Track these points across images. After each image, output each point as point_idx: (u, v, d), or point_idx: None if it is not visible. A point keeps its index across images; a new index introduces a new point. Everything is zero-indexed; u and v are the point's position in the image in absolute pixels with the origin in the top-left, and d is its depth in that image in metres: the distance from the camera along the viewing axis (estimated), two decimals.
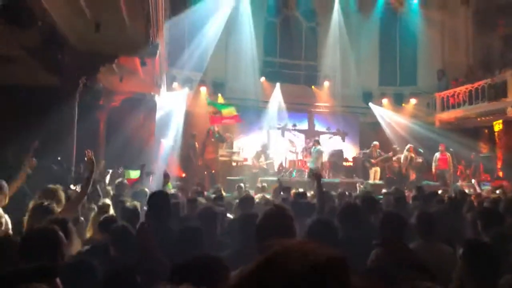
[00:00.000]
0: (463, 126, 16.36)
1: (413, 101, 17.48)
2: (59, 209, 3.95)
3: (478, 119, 15.56)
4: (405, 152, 14.40)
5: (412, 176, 14.13)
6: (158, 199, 3.57)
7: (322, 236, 2.81)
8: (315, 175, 5.20)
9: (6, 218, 3.72)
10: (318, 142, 14.09)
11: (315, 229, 2.99)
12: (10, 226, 3.70)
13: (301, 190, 7.67)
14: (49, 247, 2.40)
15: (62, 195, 4.24)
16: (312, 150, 13.99)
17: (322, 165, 13.76)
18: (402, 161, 14.36)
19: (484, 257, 2.49)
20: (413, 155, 14.31)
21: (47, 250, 2.38)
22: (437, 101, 16.90)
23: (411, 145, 14.51)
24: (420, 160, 14.56)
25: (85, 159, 4.65)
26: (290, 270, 0.72)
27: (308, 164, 13.85)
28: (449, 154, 14.34)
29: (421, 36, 17.93)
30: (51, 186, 4.31)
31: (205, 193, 8.98)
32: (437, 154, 14.32)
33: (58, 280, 1.87)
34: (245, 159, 15.29)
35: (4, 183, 4.39)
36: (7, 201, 4.37)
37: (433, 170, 14.33)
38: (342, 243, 3.09)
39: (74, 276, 2.40)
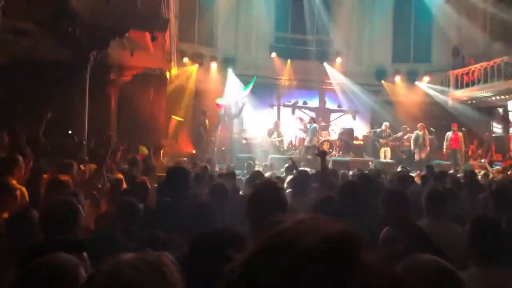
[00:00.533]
0: (477, 105, 16.11)
1: (426, 78, 17.20)
2: (74, 183, 4.02)
3: (493, 98, 15.29)
4: (416, 131, 14.27)
5: (422, 155, 14.00)
6: (176, 174, 3.56)
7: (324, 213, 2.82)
8: (321, 152, 5.16)
9: (23, 190, 3.78)
10: (313, 120, 14.14)
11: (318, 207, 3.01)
12: (27, 198, 3.76)
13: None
14: (67, 220, 2.44)
15: (77, 169, 4.30)
16: (308, 128, 13.98)
17: (318, 143, 13.80)
18: (411, 140, 14.26)
19: (490, 234, 2.47)
20: (420, 133, 14.13)
21: (66, 223, 2.43)
22: (451, 79, 16.61)
23: (421, 124, 14.35)
24: (431, 138, 14.38)
25: (104, 137, 4.71)
26: (301, 244, 0.71)
27: (305, 143, 13.85)
28: (461, 133, 14.17)
29: (436, 12, 17.48)
30: (66, 161, 4.36)
31: (217, 167, 9.05)
32: (449, 133, 14.15)
33: (85, 254, 1.90)
34: (255, 137, 15.30)
35: (20, 157, 4.45)
36: (23, 174, 4.44)
37: (444, 149, 14.20)
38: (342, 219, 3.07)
39: (100, 250, 2.44)
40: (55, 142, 6.95)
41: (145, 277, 0.99)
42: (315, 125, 13.90)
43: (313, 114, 16.80)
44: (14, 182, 3.60)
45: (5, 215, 3.11)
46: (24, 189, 3.78)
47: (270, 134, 14.72)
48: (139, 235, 2.63)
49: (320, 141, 14.42)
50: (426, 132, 14.24)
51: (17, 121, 7.96)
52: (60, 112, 8.12)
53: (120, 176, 4.95)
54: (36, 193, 3.85)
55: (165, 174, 4.02)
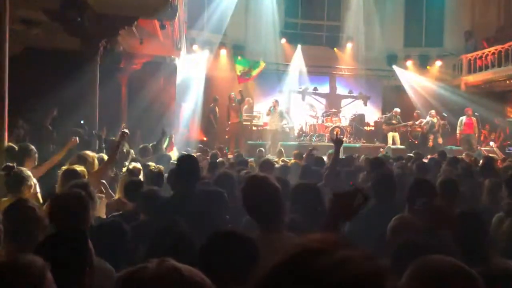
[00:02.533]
0: (490, 90, 15.84)
1: (438, 63, 16.92)
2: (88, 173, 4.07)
3: (507, 82, 15.02)
4: (428, 118, 14.12)
5: (439, 140, 13.86)
6: (188, 163, 3.57)
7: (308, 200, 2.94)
8: (337, 140, 4.88)
9: (34, 181, 3.83)
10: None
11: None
12: (38, 189, 3.82)
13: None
14: (75, 211, 2.47)
15: (94, 160, 4.33)
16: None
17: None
18: (423, 125, 14.12)
19: (472, 228, 2.45)
20: (435, 120, 13.98)
21: (74, 214, 2.46)
22: (464, 63, 16.32)
23: (434, 111, 14.17)
24: (443, 123, 14.20)
25: (120, 132, 4.77)
26: (329, 280, 0.64)
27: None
28: (475, 118, 13.97)
29: None
30: (82, 152, 4.42)
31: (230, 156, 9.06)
32: (463, 118, 13.94)
33: (90, 243, 1.92)
34: (265, 124, 15.26)
35: (33, 147, 4.51)
36: (36, 164, 4.51)
37: (458, 134, 14.02)
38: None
39: (105, 238, 2.48)
40: (67, 132, 7.02)
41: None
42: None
43: (323, 100, 16.69)
44: (29, 172, 3.66)
45: None
46: (35, 180, 3.83)
47: (268, 114, 14.55)
48: (161, 223, 2.65)
49: (331, 127, 14.35)
50: (439, 118, 14.08)
51: (30, 110, 8.04)
52: (71, 101, 8.20)
53: (138, 165, 4.96)
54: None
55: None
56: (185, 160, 3.65)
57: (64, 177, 3.64)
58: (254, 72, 15.15)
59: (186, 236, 2.23)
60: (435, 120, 13.98)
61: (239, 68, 14.96)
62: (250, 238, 1.79)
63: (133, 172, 4.72)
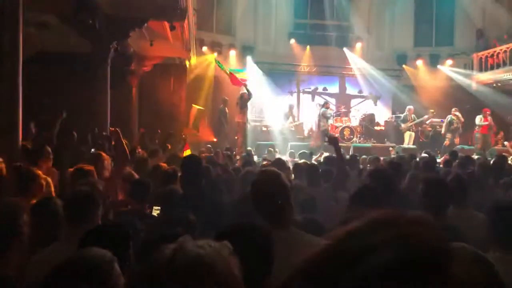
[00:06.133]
0: (502, 88, 15.66)
1: (449, 62, 16.79)
2: (106, 173, 4.12)
3: None
4: (449, 116, 13.91)
5: (456, 140, 13.69)
6: (191, 164, 3.61)
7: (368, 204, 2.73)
8: (331, 139, 4.71)
9: (48, 180, 3.89)
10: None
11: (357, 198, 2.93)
12: (52, 188, 3.88)
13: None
14: (89, 208, 2.53)
15: (106, 159, 4.36)
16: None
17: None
18: (444, 124, 13.95)
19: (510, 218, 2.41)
20: (455, 118, 13.77)
21: (87, 211, 2.51)
22: (475, 62, 16.16)
23: (456, 108, 13.96)
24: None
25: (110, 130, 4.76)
26: (383, 256, 0.61)
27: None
28: (490, 118, 13.83)
29: None
30: (96, 152, 4.46)
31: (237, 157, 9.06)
32: (481, 117, 13.76)
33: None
34: (275, 124, 15.28)
35: (48, 148, 4.58)
36: (50, 165, 4.57)
37: (477, 133, 13.82)
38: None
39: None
40: (80, 136, 7.10)
41: (209, 257, 0.96)
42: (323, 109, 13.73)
43: (333, 100, 16.66)
44: (39, 172, 3.71)
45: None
46: (49, 179, 3.89)
47: (286, 118, 14.69)
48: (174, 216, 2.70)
49: (341, 127, 14.32)
50: (459, 115, 13.89)
51: (44, 113, 8.14)
52: (83, 103, 8.29)
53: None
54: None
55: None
56: (188, 161, 3.70)
57: (73, 176, 3.69)
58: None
59: (195, 226, 2.26)
60: (454, 118, 13.83)
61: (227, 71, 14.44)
62: (267, 231, 1.80)
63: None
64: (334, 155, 5.26)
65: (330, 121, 14.27)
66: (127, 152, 4.36)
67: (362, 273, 0.60)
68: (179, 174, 4.03)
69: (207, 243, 1.00)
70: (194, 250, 0.96)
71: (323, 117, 13.44)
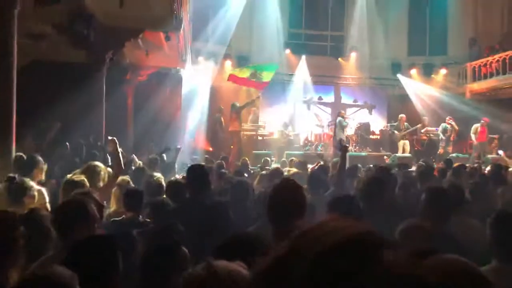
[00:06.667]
0: (495, 97, 15.79)
1: (443, 71, 16.92)
2: (100, 184, 4.09)
3: None
4: (443, 124, 14.00)
5: (449, 148, 13.78)
6: (197, 172, 3.59)
7: (344, 212, 2.79)
8: (342, 147, 4.86)
9: (43, 191, 3.86)
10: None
11: (335, 206, 2.96)
12: (47, 199, 3.84)
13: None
14: (78, 219, 2.46)
15: (102, 170, 4.31)
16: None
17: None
18: (439, 132, 14.03)
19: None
20: (448, 126, 13.86)
21: (77, 222, 2.45)
22: (468, 71, 16.31)
23: (450, 117, 14.07)
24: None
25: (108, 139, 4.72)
26: (320, 245, 0.71)
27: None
28: (487, 127, 13.93)
29: (452, 3, 17.20)
30: (91, 163, 4.42)
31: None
32: (478, 126, 13.85)
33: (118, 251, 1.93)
34: (271, 133, 15.27)
35: (40, 159, 4.54)
36: (43, 176, 4.54)
37: (474, 141, 13.90)
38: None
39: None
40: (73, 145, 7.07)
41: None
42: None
43: (328, 110, 16.70)
44: (32, 182, 3.69)
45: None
46: (43, 189, 3.86)
47: (285, 127, 14.72)
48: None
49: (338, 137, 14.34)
50: (454, 124, 13.98)
51: (39, 124, 8.11)
52: (79, 113, 8.27)
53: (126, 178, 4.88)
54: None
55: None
56: (195, 170, 3.68)
57: (64, 187, 3.66)
58: (265, 76, 14.22)
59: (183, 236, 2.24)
60: (448, 126, 13.90)
61: (247, 72, 14.28)
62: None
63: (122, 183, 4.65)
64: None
65: (349, 130, 14.34)
66: (121, 162, 4.32)
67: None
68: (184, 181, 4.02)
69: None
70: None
71: (340, 126, 13.44)
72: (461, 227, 3.25)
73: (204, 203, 3.42)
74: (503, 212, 2.59)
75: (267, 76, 14.00)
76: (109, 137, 4.61)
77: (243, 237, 1.78)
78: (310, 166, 7.83)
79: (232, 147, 13.12)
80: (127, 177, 4.87)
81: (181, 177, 5.65)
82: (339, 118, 13.61)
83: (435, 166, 9.21)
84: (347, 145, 6.91)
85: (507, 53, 14.59)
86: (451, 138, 13.93)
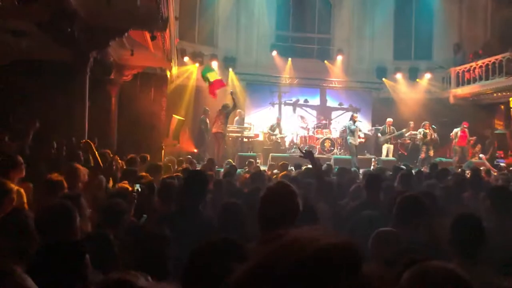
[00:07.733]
0: (478, 102, 16.05)
1: (427, 76, 17.13)
2: (80, 185, 4.02)
3: (495, 94, 15.24)
4: (420, 129, 14.21)
5: (430, 152, 13.95)
6: (197, 179, 3.53)
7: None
8: (306, 154, 4.46)
9: (21, 191, 3.77)
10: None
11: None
12: (25, 199, 3.76)
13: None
14: (63, 223, 2.43)
15: (81, 172, 4.25)
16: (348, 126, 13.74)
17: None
18: (419, 137, 14.21)
19: (471, 230, 2.57)
20: (427, 131, 14.09)
21: (61, 226, 2.42)
22: (452, 76, 16.55)
23: (427, 122, 14.29)
24: (435, 136, 14.30)
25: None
26: (295, 257, 0.70)
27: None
28: (467, 131, 14.16)
29: (437, 9, 17.45)
30: (71, 163, 4.36)
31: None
32: (458, 130, 14.07)
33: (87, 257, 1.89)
34: (256, 135, 15.25)
35: (20, 158, 4.44)
36: (23, 175, 4.44)
37: (455, 145, 14.11)
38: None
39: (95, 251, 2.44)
40: (57, 145, 6.95)
41: None
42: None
43: (314, 112, 16.76)
44: (10, 183, 3.59)
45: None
46: (22, 190, 3.77)
47: (272, 130, 14.72)
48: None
49: (322, 139, 14.40)
50: (431, 129, 14.17)
51: (18, 122, 7.96)
52: (61, 113, 8.14)
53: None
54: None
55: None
56: (194, 176, 3.61)
57: (42, 188, 3.58)
58: (211, 77, 13.34)
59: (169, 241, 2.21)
60: (427, 131, 14.09)
61: (212, 76, 13.84)
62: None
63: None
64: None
65: (361, 134, 14.31)
66: (100, 163, 4.27)
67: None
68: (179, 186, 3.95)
69: None
70: None
71: (350, 131, 13.37)
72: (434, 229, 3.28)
73: (199, 214, 3.35)
74: (462, 215, 2.74)
75: (213, 76, 13.56)
76: (82, 141, 4.59)
77: (219, 241, 1.74)
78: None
79: (215, 149, 13.08)
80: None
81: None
82: (348, 123, 13.62)
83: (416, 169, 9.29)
84: (311, 149, 6.78)
85: (490, 59, 14.84)
86: (432, 142, 14.12)
